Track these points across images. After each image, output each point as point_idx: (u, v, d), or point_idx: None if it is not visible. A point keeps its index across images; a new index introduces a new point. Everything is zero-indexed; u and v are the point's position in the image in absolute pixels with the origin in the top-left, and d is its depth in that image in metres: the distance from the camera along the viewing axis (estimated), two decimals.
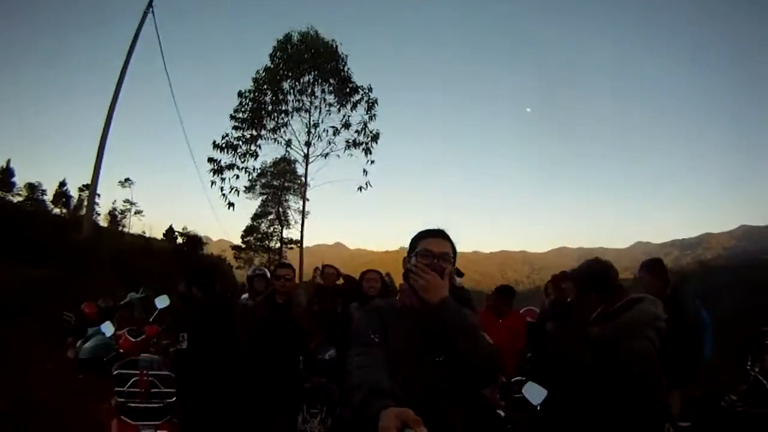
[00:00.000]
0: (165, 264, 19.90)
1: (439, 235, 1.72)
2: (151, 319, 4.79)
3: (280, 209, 27.04)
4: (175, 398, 3.03)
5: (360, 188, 14.67)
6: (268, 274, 4.52)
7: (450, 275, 1.66)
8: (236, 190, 13.80)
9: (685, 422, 3.86)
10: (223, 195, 13.63)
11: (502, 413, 2.65)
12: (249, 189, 15.43)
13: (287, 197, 26.97)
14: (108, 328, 4.52)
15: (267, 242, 30.21)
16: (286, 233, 27.75)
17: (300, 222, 18.35)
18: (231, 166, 13.99)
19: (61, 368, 5.84)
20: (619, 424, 2.10)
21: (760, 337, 4.41)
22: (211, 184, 13.59)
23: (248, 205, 28.13)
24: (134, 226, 44.02)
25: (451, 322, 1.53)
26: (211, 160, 13.88)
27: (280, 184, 25.58)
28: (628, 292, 2.36)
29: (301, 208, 20.29)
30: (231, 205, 13.74)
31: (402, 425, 1.02)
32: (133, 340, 4.15)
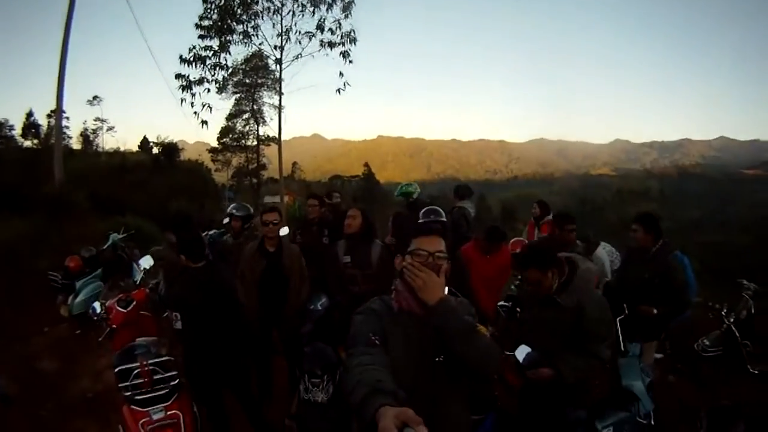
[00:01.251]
0: (144, 180, 19.45)
1: (433, 232, 1.73)
2: (137, 280, 4.70)
3: (255, 107, 25.98)
4: (178, 380, 3.10)
5: (338, 90, 13.70)
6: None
7: (446, 273, 1.63)
8: (209, 106, 12.85)
9: (659, 353, 4.32)
10: (195, 113, 12.77)
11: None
12: (221, 89, 14.53)
13: (261, 94, 25.78)
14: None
15: (244, 141, 29.53)
16: (263, 130, 27.05)
17: (276, 118, 17.47)
18: (201, 81, 12.86)
19: (58, 329, 5.92)
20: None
21: (740, 288, 4.62)
22: (181, 102, 12.62)
23: (223, 107, 27.03)
24: (108, 142, 43.41)
25: (449, 325, 1.52)
26: (179, 76, 12.67)
27: (253, 81, 24.25)
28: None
29: (276, 103, 19.28)
30: (204, 123, 12.89)
31: (402, 425, 1.01)
32: (124, 311, 3.97)
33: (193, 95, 12.71)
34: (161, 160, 25.86)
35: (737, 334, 4.27)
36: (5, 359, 5.21)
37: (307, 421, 2.73)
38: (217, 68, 13.05)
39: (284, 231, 5.27)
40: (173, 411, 3.03)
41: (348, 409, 2.60)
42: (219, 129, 30.18)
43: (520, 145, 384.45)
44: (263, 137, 27.21)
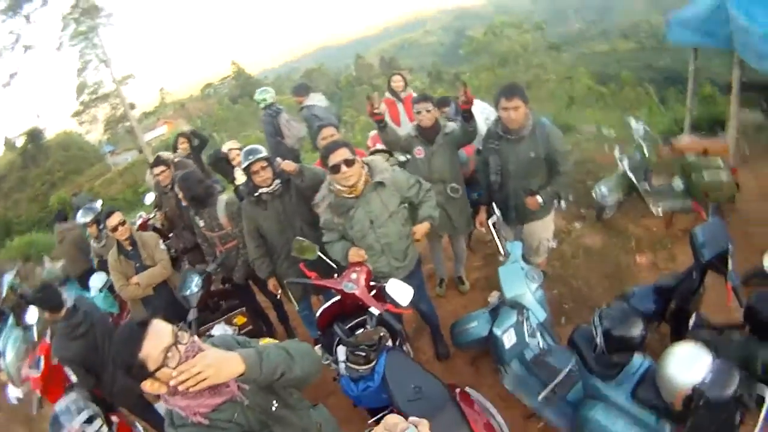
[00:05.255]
0: (22, 179, 17.43)
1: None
2: (35, 336, 4.30)
3: (97, 51, 23.12)
4: (105, 425, 3.20)
5: None
6: None
7: None
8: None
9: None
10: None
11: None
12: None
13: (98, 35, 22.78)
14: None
15: (101, 90, 26.87)
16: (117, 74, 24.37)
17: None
18: None
19: None
20: None
21: (629, 128, 4.51)
22: None
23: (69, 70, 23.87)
24: None
25: None
26: None
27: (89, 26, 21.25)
28: None
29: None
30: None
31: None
32: (38, 373, 3.79)
33: None
34: (30, 150, 23.22)
35: (633, 178, 4.26)
36: None
37: None
38: None
39: (149, 199, 5.06)
40: None
41: None
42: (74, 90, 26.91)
43: None
44: (120, 79, 24.67)
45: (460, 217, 3.59)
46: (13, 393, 3.77)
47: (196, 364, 1.28)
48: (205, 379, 1.28)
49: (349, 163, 2.58)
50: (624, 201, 4.53)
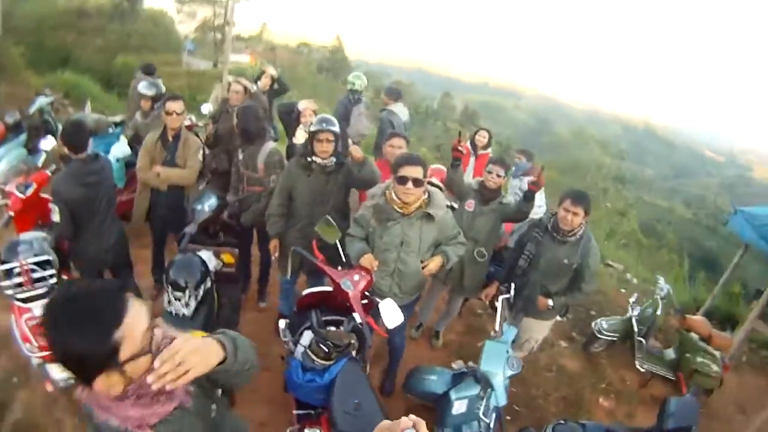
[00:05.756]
0: (100, 27, 17.67)
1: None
2: (40, 163, 4.36)
3: None
4: (56, 278, 3.11)
5: None
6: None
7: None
8: None
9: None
10: None
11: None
12: None
13: None
14: (49, 143, 4.30)
15: None
16: None
17: None
18: None
19: None
20: None
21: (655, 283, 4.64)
22: None
23: None
24: None
25: None
26: None
27: None
28: None
29: None
30: None
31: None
32: (22, 196, 3.73)
33: None
34: (123, 6, 23.54)
35: (635, 329, 4.33)
36: None
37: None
38: None
39: (206, 108, 5.07)
40: None
41: (208, 325, 2.63)
42: None
43: None
44: None
45: (473, 280, 3.62)
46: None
47: (179, 350, 0.98)
48: (188, 371, 0.99)
49: (417, 183, 2.60)
50: (615, 344, 4.57)
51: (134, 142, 4.47)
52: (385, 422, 0.98)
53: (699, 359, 4.06)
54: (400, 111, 5.49)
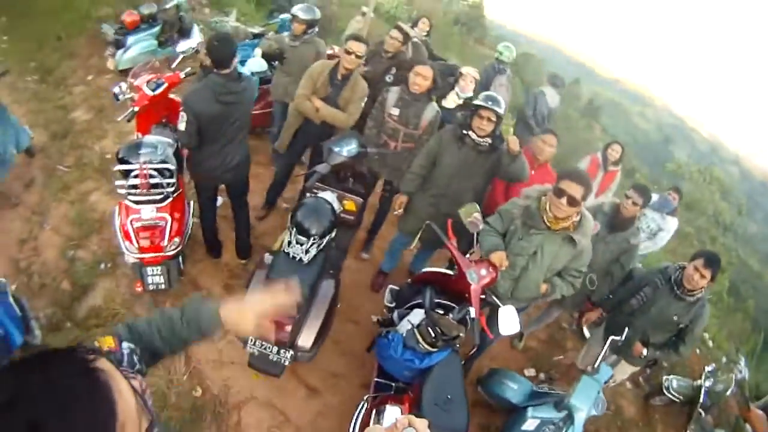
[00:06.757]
0: None
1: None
2: (174, 64, 4.36)
3: None
4: (174, 186, 3.16)
5: None
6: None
7: None
8: None
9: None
10: None
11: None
12: None
13: None
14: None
15: None
16: None
17: None
18: None
19: (101, 80, 5.80)
20: None
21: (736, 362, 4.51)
22: None
23: None
24: None
25: None
26: None
27: None
28: None
29: None
30: None
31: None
32: (150, 93, 3.60)
33: None
34: None
35: (701, 399, 4.13)
36: (43, 108, 5.27)
37: (279, 270, 2.59)
38: None
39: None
40: (162, 214, 3.12)
41: (321, 273, 2.63)
42: None
43: None
44: None
45: (575, 298, 3.44)
46: (119, 89, 3.69)
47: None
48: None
49: (572, 202, 2.43)
50: (676, 404, 4.36)
51: (270, 58, 4.35)
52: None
53: None
54: (551, 96, 5.27)
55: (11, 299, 2.77)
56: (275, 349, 2.54)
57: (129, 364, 1.04)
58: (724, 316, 7.38)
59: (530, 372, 3.46)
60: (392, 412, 2.30)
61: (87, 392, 0.66)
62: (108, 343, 1.02)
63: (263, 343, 2.54)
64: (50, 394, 0.62)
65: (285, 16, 5.65)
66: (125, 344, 1.06)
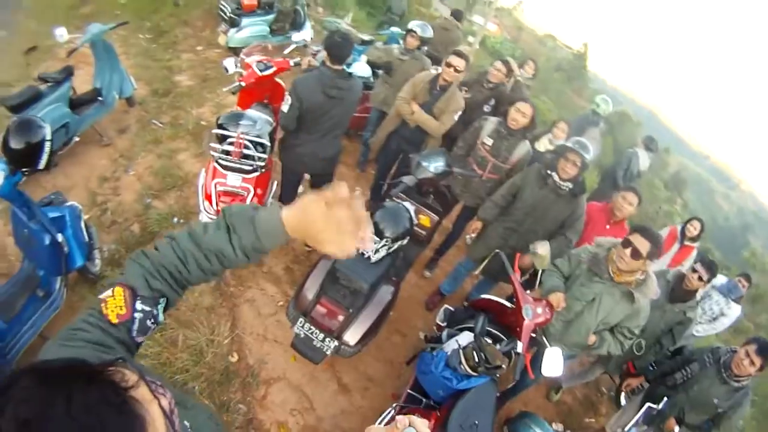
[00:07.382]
0: None
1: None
2: (286, 51, 4.58)
3: None
4: (264, 164, 3.26)
5: None
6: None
7: None
8: None
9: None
10: None
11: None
12: None
13: None
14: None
15: None
16: None
17: None
18: None
19: (209, 53, 6.27)
20: None
21: None
22: None
23: None
24: None
25: None
26: None
27: None
28: None
29: None
30: None
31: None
32: (258, 73, 3.75)
33: None
34: None
35: None
36: (150, 65, 5.74)
37: (344, 263, 2.61)
38: None
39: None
40: (247, 185, 3.23)
41: (384, 277, 2.67)
42: None
43: None
44: None
45: (620, 359, 3.40)
46: (230, 63, 3.88)
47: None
48: None
49: (636, 255, 2.43)
50: None
51: (375, 66, 4.54)
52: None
53: None
54: (644, 159, 5.36)
55: (83, 224, 3.00)
56: (321, 335, 2.61)
57: (140, 330, 0.94)
58: (764, 420, 6.73)
59: (558, 427, 3.37)
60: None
61: (118, 429, 0.58)
62: (118, 310, 0.91)
63: (311, 327, 2.62)
64: (75, 423, 0.54)
65: (395, 29, 5.88)
66: (138, 306, 0.94)
